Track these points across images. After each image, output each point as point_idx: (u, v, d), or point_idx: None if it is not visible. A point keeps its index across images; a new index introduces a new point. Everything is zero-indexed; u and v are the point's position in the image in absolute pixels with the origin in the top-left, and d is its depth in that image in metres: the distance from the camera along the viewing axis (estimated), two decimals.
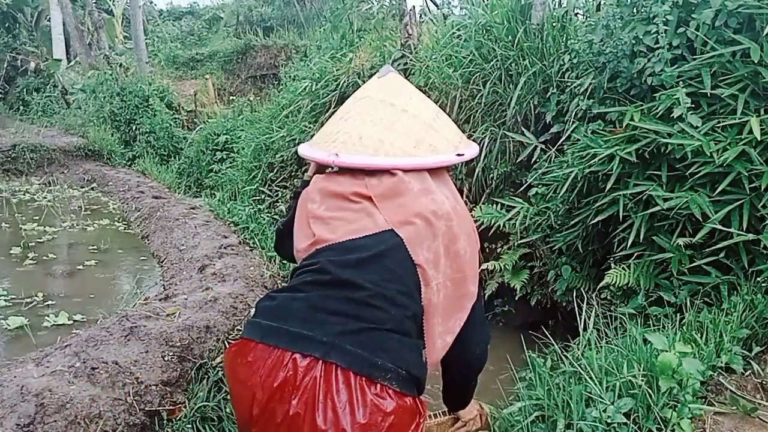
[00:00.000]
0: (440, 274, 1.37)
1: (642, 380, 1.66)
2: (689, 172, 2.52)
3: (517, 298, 3.83)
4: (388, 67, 1.63)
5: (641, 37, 2.90)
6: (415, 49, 5.23)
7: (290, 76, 7.62)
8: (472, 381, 1.60)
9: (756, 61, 2.49)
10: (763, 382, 1.85)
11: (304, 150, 1.56)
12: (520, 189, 3.91)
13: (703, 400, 1.76)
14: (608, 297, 2.87)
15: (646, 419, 1.60)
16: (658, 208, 2.54)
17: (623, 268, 2.74)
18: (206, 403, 2.09)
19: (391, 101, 1.50)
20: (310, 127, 5.77)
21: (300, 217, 1.48)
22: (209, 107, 10.94)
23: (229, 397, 2.15)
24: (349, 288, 1.28)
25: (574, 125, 3.35)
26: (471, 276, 1.45)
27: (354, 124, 1.48)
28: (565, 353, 2.14)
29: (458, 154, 1.50)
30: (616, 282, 2.72)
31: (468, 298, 1.43)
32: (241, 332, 1.44)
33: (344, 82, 5.47)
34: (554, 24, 3.98)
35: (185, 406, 2.05)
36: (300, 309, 1.28)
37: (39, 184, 6.99)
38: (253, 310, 1.46)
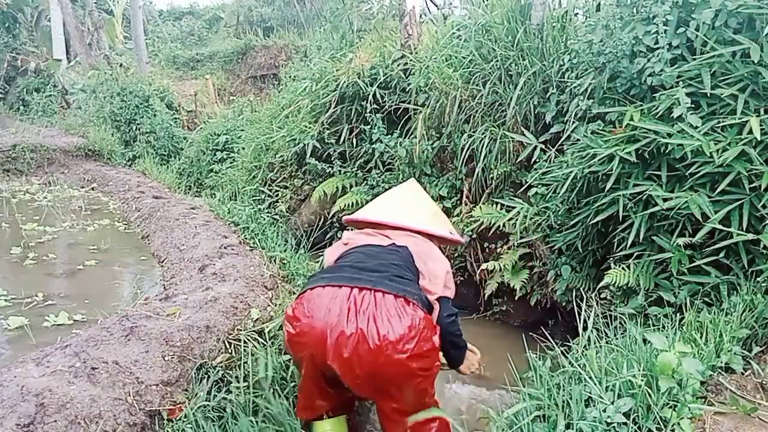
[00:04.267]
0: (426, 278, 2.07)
1: (642, 380, 1.66)
2: (689, 172, 2.52)
3: (516, 298, 3.83)
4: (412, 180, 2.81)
5: (641, 37, 2.90)
6: (415, 49, 5.23)
7: (290, 77, 7.62)
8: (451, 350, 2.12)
9: (756, 61, 2.49)
10: (763, 382, 1.84)
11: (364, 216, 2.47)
12: (520, 189, 3.91)
13: (703, 400, 1.76)
14: (608, 297, 2.87)
15: (645, 419, 1.60)
16: (657, 208, 2.54)
17: (623, 268, 2.74)
18: (206, 403, 2.09)
19: (414, 196, 2.56)
20: (310, 127, 5.78)
21: (336, 244, 2.25)
22: (209, 107, 10.94)
23: (230, 396, 2.16)
24: (378, 257, 2.00)
25: (574, 125, 3.35)
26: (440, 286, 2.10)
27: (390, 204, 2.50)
28: (565, 353, 2.14)
29: (450, 232, 2.45)
30: (616, 282, 2.72)
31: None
32: (302, 288, 1.99)
33: (344, 82, 5.46)
34: (554, 24, 3.99)
35: (185, 406, 2.05)
36: (348, 268, 1.95)
37: (39, 184, 6.98)
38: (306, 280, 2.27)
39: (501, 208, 3.87)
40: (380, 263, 1.95)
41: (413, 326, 1.74)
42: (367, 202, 4.99)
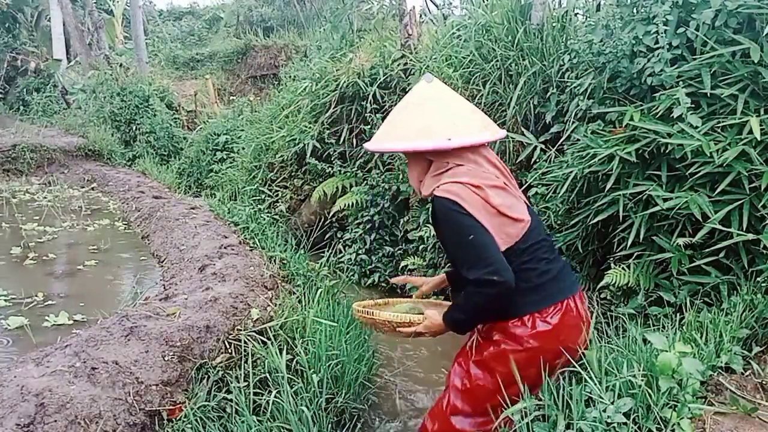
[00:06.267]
0: None
1: (642, 380, 1.66)
2: (689, 172, 2.52)
3: None
4: (429, 74, 1.96)
5: (641, 37, 2.90)
6: (415, 49, 5.23)
7: (290, 77, 7.62)
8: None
9: (756, 61, 2.49)
10: (763, 382, 1.84)
11: (399, 145, 1.88)
12: (520, 189, 3.90)
13: (703, 400, 1.76)
14: (608, 297, 2.87)
15: (646, 419, 1.60)
16: (657, 208, 2.54)
17: (623, 268, 2.74)
18: (206, 403, 2.09)
19: (453, 95, 1.93)
20: (310, 127, 5.78)
21: (488, 212, 1.76)
22: (209, 107, 10.95)
23: (230, 396, 2.16)
24: (552, 248, 1.91)
25: (574, 125, 3.35)
26: None
27: (441, 115, 1.83)
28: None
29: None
30: (616, 282, 2.71)
31: None
32: (545, 299, 1.82)
33: (344, 82, 5.46)
34: (554, 24, 3.98)
35: (185, 406, 2.05)
36: (561, 273, 1.87)
37: (39, 184, 6.98)
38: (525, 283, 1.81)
39: None
40: (559, 256, 1.96)
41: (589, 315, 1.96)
42: (367, 202, 5.01)
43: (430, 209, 1.85)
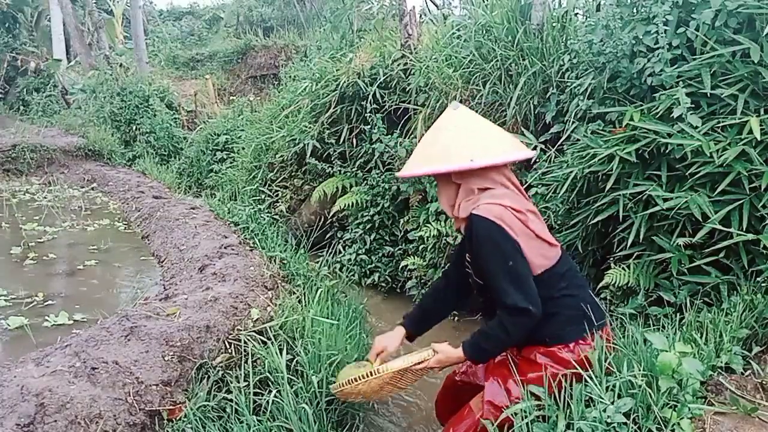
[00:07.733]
0: None
1: (642, 380, 1.66)
2: (689, 172, 2.52)
3: None
4: (456, 102, 2.01)
5: (641, 37, 2.90)
6: (415, 49, 5.23)
7: (290, 77, 7.62)
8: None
9: (756, 61, 2.49)
10: (763, 382, 1.84)
11: (423, 168, 1.91)
12: None
13: (703, 400, 1.76)
14: (608, 297, 2.87)
15: (646, 419, 1.60)
16: (657, 208, 2.54)
17: (623, 268, 2.74)
18: (206, 403, 2.09)
19: (479, 120, 1.95)
20: (310, 127, 5.78)
21: (527, 236, 1.80)
22: (209, 107, 10.94)
23: (230, 396, 2.17)
24: (580, 274, 2.03)
25: (574, 125, 3.35)
26: None
27: (463, 138, 1.86)
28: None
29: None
30: (615, 282, 2.71)
31: None
32: (589, 327, 1.86)
33: (344, 82, 5.46)
34: (554, 24, 3.98)
35: (185, 406, 2.05)
36: (593, 303, 1.94)
37: (39, 184, 6.98)
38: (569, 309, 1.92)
39: None
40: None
41: None
42: (367, 202, 5.01)
43: (468, 228, 1.85)
